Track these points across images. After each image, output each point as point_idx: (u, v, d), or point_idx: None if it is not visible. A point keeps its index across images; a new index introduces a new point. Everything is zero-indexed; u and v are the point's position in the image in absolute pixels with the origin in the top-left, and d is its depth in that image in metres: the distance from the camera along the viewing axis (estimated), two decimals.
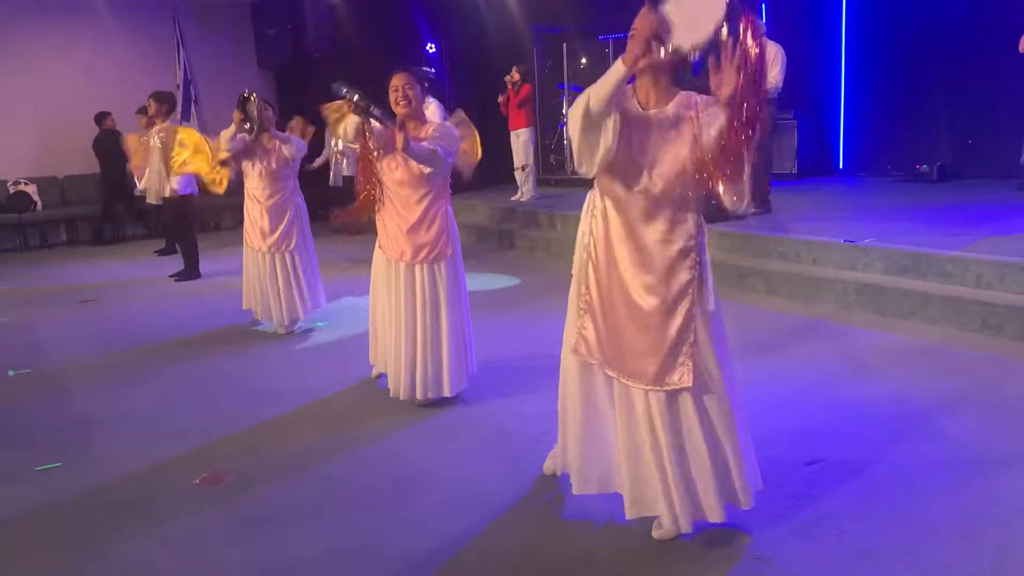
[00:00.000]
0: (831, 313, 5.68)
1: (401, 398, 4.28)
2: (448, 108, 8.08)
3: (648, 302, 2.70)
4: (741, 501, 2.78)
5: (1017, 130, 7.57)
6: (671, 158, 2.63)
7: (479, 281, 7.56)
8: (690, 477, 2.76)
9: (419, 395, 4.25)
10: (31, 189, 11.53)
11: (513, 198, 10.45)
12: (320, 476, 3.60)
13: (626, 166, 2.67)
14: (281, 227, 5.85)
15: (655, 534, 2.88)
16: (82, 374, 5.33)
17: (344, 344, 5.62)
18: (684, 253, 2.69)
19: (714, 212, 7.47)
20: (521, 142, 10.21)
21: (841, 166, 10.76)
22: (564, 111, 10.88)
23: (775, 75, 7.42)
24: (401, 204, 4.15)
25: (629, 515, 2.86)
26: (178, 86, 12.38)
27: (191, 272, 8.43)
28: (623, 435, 2.82)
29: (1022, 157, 6.88)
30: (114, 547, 3.10)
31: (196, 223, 8.80)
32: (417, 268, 4.16)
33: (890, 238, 6.12)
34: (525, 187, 10.38)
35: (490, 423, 4.09)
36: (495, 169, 11.26)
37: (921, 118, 9.66)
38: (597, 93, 2.52)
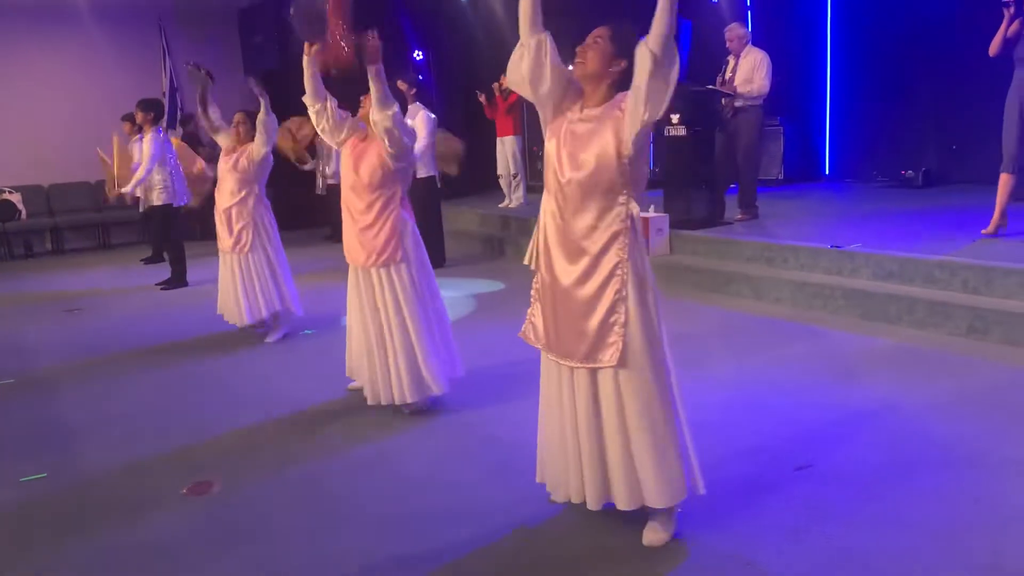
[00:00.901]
0: (819, 318, 5.70)
1: (369, 403, 4.31)
2: (436, 116, 8.09)
3: (578, 285, 2.81)
4: (653, 495, 2.79)
5: (999, 136, 7.61)
6: (594, 145, 2.75)
7: (469, 287, 7.55)
8: (604, 458, 2.83)
9: (384, 400, 4.26)
10: (15, 198, 11.43)
11: (501, 205, 10.46)
12: (308, 483, 3.58)
13: (557, 158, 2.82)
14: (237, 229, 5.93)
15: (645, 540, 2.87)
16: (67, 383, 5.29)
17: (332, 351, 5.58)
18: (613, 237, 2.77)
19: (702, 219, 7.54)
20: (508, 149, 10.23)
21: (827, 172, 10.81)
22: None
23: (760, 81, 7.49)
24: (355, 209, 4.25)
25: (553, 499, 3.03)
26: (164, 94, 12.32)
27: (178, 280, 8.39)
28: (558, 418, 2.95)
29: (1002, 166, 6.91)
30: (100, 557, 3.07)
31: (183, 231, 8.72)
32: (373, 272, 4.21)
33: (877, 243, 6.15)
34: (515, 194, 10.41)
35: (479, 428, 4.08)
36: (484, 176, 11.27)
37: (906, 124, 9.72)
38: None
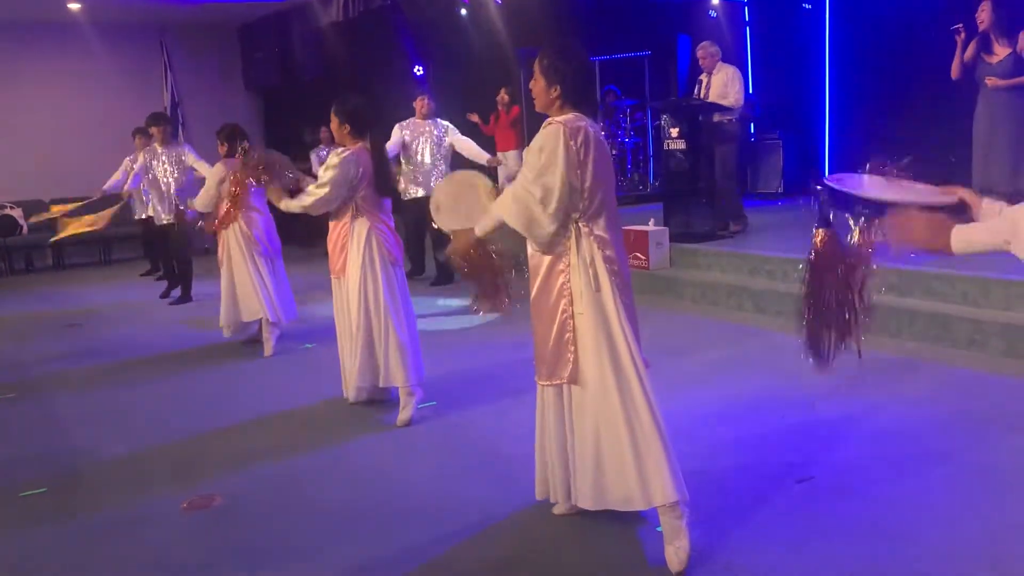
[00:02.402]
0: None
1: (355, 396, 4.54)
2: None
3: (537, 306, 2.98)
4: (617, 499, 2.86)
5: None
6: None
7: (463, 297, 7.54)
8: (570, 465, 2.96)
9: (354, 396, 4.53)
10: (16, 213, 11.46)
11: None
12: (308, 494, 3.59)
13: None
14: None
15: (671, 567, 2.81)
16: (67, 396, 5.29)
17: (330, 363, 5.58)
18: (557, 258, 2.89)
19: (703, 232, 7.56)
20: (511, 164, 10.25)
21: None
22: None
23: (735, 95, 7.54)
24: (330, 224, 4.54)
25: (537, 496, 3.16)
26: (165, 108, 12.38)
27: (184, 295, 8.37)
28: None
29: (973, 183, 6.94)
30: (99, 570, 3.06)
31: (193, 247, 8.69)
32: (341, 280, 4.47)
33: (876, 255, 6.14)
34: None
35: (473, 436, 4.11)
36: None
37: (905, 137, 9.74)
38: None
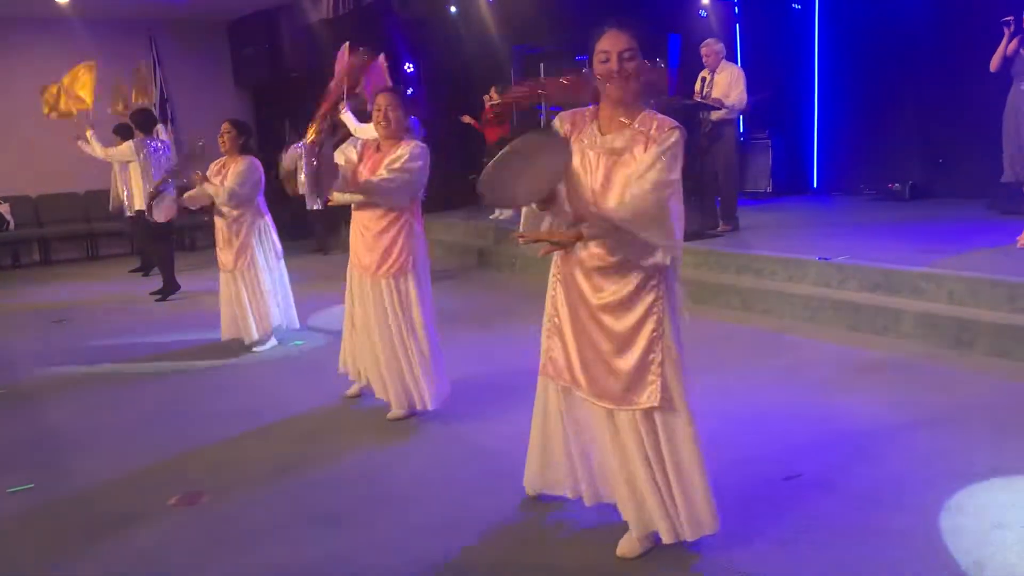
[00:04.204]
0: (806, 330, 5.73)
1: (395, 409, 4.35)
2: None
3: (612, 322, 2.74)
4: (686, 528, 2.77)
5: (984, 150, 7.71)
6: (621, 179, 2.65)
7: (459, 298, 7.55)
8: (664, 492, 2.78)
9: (401, 407, 4.33)
10: (4, 208, 11.39)
11: (491, 216, 10.48)
12: (297, 494, 3.58)
13: (579, 190, 2.71)
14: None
15: (619, 551, 2.87)
16: (55, 393, 5.26)
17: (322, 362, 5.58)
18: (649, 274, 2.71)
19: (692, 231, 7.56)
20: None
21: (815, 185, 10.87)
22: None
23: (738, 95, 7.57)
24: (365, 219, 4.27)
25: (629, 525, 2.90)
26: (154, 105, 12.30)
27: (170, 287, 8.34)
28: (607, 453, 2.87)
29: (1004, 176, 6.97)
30: (89, 567, 3.05)
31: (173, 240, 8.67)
32: (383, 282, 4.24)
33: (864, 255, 6.19)
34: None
35: (468, 440, 4.09)
36: (474, 188, 11.27)
37: (893, 138, 9.80)
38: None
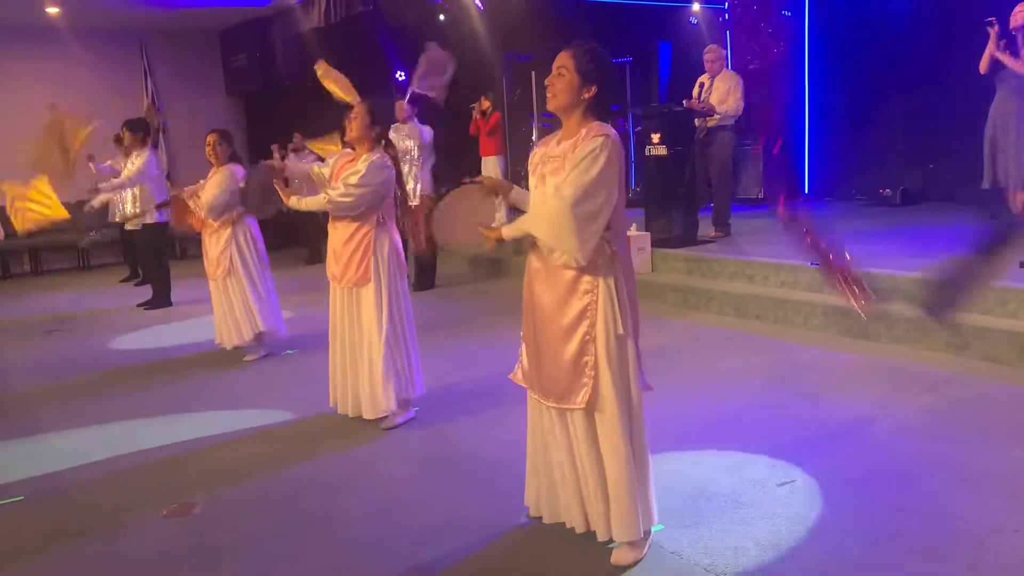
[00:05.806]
0: (799, 335, 5.74)
1: (339, 412, 4.44)
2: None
3: (549, 324, 2.82)
4: (619, 529, 2.80)
5: (975, 156, 7.73)
6: (550, 186, 2.76)
7: (455, 305, 7.55)
8: (581, 491, 2.89)
9: (351, 412, 4.41)
10: None
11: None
12: (290, 502, 3.56)
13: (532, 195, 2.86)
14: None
15: (613, 559, 2.87)
16: (47, 404, 5.23)
17: (313, 370, 5.56)
18: (579, 275, 2.75)
19: (680, 237, 7.59)
20: (491, 170, 10.24)
21: (807, 191, 10.92)
22: (534, 138, 10.98)
23: (735, 101, 7.60)
24: (335, 228, 4.36)
25: (535, 517, 3.11)
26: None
27: (162, 300, 8.31)
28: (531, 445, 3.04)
29: (984, 182, 7.00)
30: None
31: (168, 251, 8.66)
32: (352, 290, 4.32)
33: (856, 261, 6.18)
34: (498, 214, 10.41)
35: (464, 448, 4.08)
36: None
37: (884, 144, 9.85)
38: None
